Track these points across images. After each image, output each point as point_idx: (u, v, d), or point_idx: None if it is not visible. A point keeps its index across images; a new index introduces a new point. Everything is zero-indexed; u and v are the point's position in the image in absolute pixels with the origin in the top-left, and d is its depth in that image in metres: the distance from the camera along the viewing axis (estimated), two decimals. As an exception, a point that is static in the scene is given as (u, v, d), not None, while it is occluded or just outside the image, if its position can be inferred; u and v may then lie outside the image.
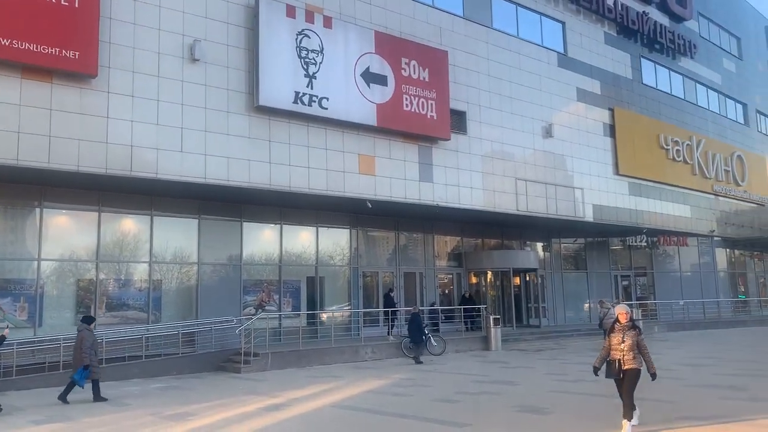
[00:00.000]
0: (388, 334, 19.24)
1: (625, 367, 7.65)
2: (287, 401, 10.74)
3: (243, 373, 14.73)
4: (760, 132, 39.77)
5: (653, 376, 7.84)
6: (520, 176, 23.79)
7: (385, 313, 19.78)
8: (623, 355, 7.66)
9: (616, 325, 7.87)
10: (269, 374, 14.60)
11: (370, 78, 19.31)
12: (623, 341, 7.70)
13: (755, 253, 37.69)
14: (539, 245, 26.64)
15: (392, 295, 20.31)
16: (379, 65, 19.57)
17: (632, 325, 7.84)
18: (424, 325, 18.12)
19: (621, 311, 7.95)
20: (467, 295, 22.90)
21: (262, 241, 19.10)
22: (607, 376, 7.91)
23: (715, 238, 33.25)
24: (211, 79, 16.52)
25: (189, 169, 15.77)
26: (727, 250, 35.29)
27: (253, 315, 17.26)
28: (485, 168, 22.70)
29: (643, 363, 7.76)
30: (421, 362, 16.52)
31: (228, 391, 12.14)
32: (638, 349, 7.72)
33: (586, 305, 27.84)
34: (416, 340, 17.18)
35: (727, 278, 35.19)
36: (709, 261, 33.62)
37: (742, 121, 37.87)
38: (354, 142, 19.22)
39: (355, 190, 18.90)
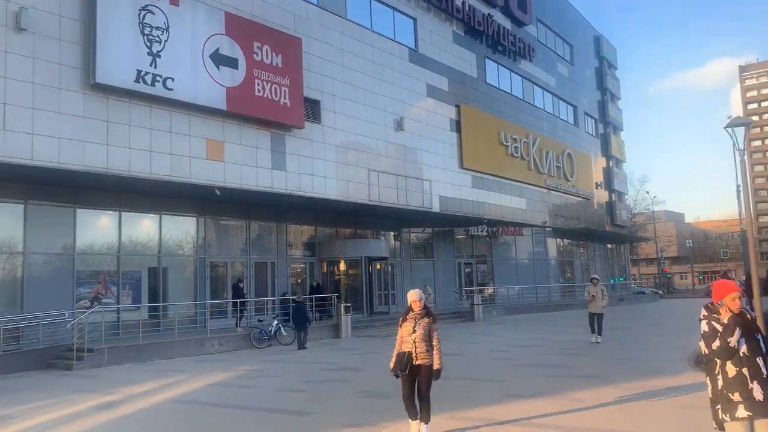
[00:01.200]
0: (237, 326, 18.77)
1: (417, 362, 6.59)
2: (123, 398, 10.11)
3: (75, 370, 13.64)
4: (587, 132, 43.83)
5: (437, 374, 6.68)
6: (373, 167, 24.26)
7: (234, 304, 19.26)
8: (415, 348, 6.60)
9: (408, 314, 6.82)
10: (105, 370, 13.65)
11: (220, 60, 18.65)
12: (414, 331, 6.64)
13: (581, 242, 41.58)
14: (391, 234, 27.37)
15: (241, 285, 19.81)
16: (230, 47, 18.94)
17: (426, 312, 6.81)
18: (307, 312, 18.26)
19: (413, 298, 6.85)
20: (316, 284, 22.95)
21: (99, 229, 17.73)
22: (393, 372, 6.76)
23: (547, 229, 36.18)
24: (41, 51, 15.08)
25: (13, 150, 14.30)
26: (557, 239, 38.58)
27: (88, 308, 16.00)
28: (339, 158, 22.85)
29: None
30: (305, 347, 16.80)
31: (57, 389, 11.17)
32: (430, 340, 6.69)
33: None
34: (301, 328, 17.29)
35: (557, 265, 38.48)
36: (542, 250, 36.55)
37: (572, 121, 41.49)
38: (202, 126, 18.48)
39: (202, 176, 18.19)
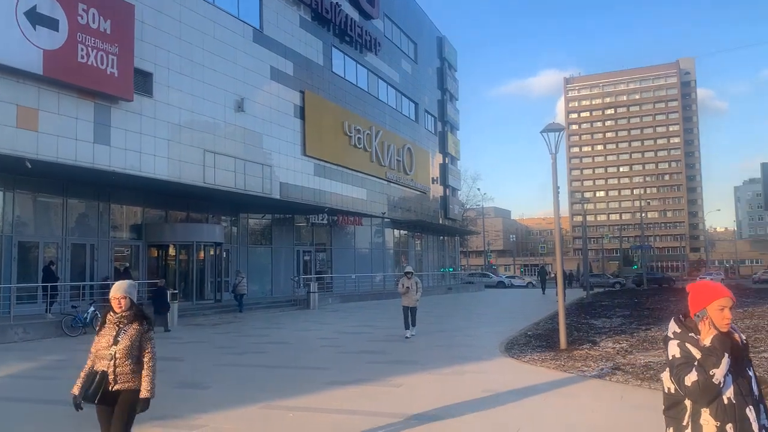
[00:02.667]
0: (47, 312, 17.07)
1: (115, 387, 4.44)
2: None
3: None
4: (427, 129, 45.63)
5: (144, 404, 4.51)
6: (210, 148, 23.29)
7: (44, 289, 17.50)
8: (114, 366, 4.45)
9: (108, 316, 4.63)
10: None
11: (37, 19, 16.79)
12: (115, 342, 4.49)
13: (416, 233, 43.30)
14: (227, 219, 26.50)
15: (53, 268, 18.07)
16: (50, 6, 17.13)
17: (136, 314, 4.63)
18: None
19: (116, 294, 4.60)
20: (123, 268, 21.41)
21: None
22: (83, 400, 4.46)
23: (386, 220, 37.21)
24: None
25: None
26: (395, 230, 39.83)
27: None
28: (172, 136, 21.65)
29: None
30: (169, 330, 17.14)
31: None
32: (140, 355, 4.56)
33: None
34: (160, 312, 17.35)
35: (394, 255, 39.74)
36: (380, 240, 37.52)
37: (413, 118, 42.94)
38: (12, 91, 16.56)
39: (10, 146, 16.30)
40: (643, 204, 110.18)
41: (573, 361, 10.53)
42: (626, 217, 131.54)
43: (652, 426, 6.31)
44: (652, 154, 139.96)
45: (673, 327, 2.92)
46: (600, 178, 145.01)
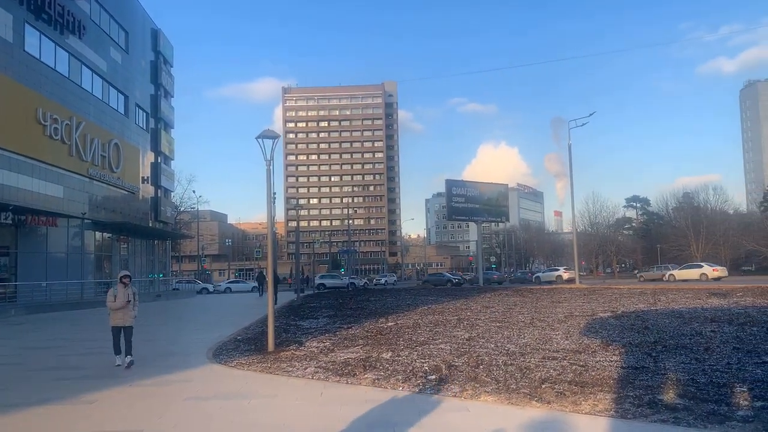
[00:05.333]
0: None
1: None
2: None
3: None
4: (138, 125, 42.77)
5: None
6: None
7: None
8: None
9: None
10: None
11: None
12: None
13: (123, 237, 40.17)
14: None
15: None
16: None
17: None
18: None
19: None
20: None
21: None
22: None
23: (87, 221, 33.81)
24: None
25: None
26: (97, 233, 36.40)
27: None
28: None
29: None
30: None
31: None
32: None
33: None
34: None
35: (95, 260, 36.28)
36: (79, 243, 33.90)
37: (122, 111, 39.86)
38: None
39: None
40: (350, 212, 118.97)
41: (279, 362, 10.85)
42: (336, 223, 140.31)
43: (345, 417, 6.86)
44: (359, 166, 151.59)
45: None
46: (314, 186, 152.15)
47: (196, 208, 72.41)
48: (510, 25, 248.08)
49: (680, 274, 47.88)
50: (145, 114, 44.23)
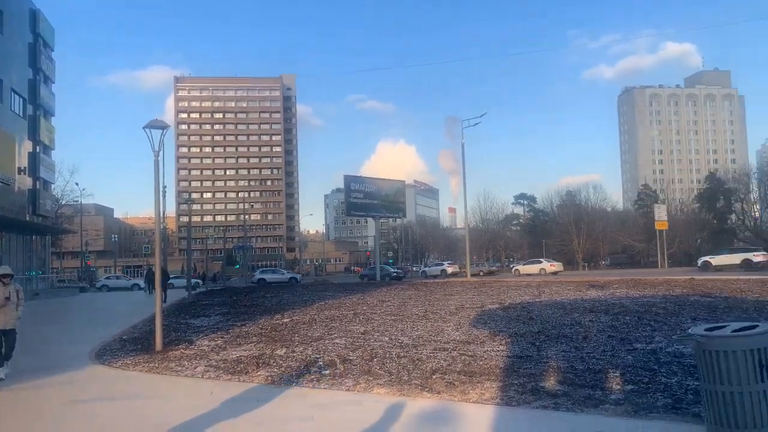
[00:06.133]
0: None
1: None
2: None
3: None
4: (13, 111, 39.64)
5: None
6: None
7: None
8: None
9: None
10: None
11: None
12: None
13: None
14: None
15: None
16: None
17: None
18: None
19: None
20: None
21: None
22: None
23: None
24: None
25: None
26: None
27: None
28: None
29: None
30: None
31: None
32: None
33: None
34: None
35: (-38, 257, 33.29)
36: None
37: (-5, 96, 36.79)
38: None
39: None
40: (246, 207, 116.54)
41: (167, 362, 10.45)
42: (231, 218, 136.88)
43: (235, 415, 6.73)
44: (256, 160, 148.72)
45: None
46: (208, 180, 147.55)
47: (79, 202, 68.14)
48: (410, 24, 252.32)
49: (524, 269, 53.43)
50: (21, 100, 41.01)
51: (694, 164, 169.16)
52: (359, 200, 56.68)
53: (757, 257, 41.14)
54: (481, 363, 8.84)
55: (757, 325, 5.25)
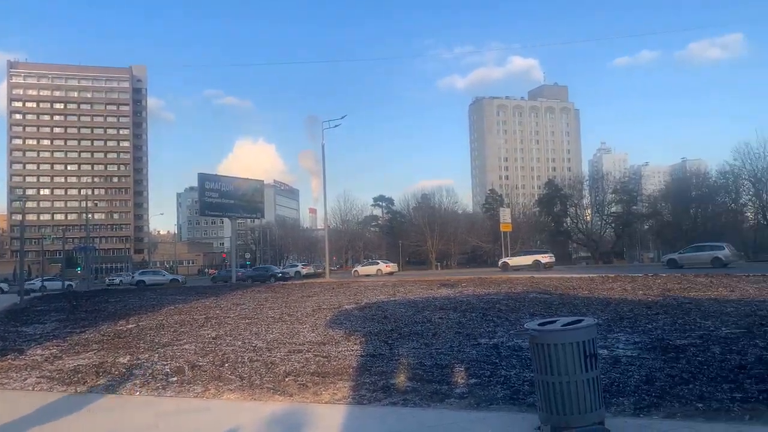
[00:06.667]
0: None
1: None
2: None
3: None
4: None
5: None
6: None
7: None
8: None
9: None
10: None
11: None
12: None
13: None
14: None
15: None
16: None
17: None
18: None
19: None
20: None
21: None
22: None
23: None
24: None
25: None
26: None
27: None
28: None
29: None
30: None
31: None
32: None
33: None
34: None
35: None
36: None
37: None
38: None
39: None
40: (90, 205, 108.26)
41: (-9, 375, 9.44)
42: (72, 217, 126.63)
43: (67, 429, 6.20)
44: (101, 155, 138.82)
45: None
46: (46, 175, 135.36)
47: None
48: (271, 21, 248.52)
49: (363, 270, 56.13)
50: None
51: (535, 171, 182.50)
52: (214, 200, 54.88)
53: (545, 258, 47.98)
54: (334, 363, 8.89)
55: (583, 320, 5.76)
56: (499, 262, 51.31)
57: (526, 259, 48.95)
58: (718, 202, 68.62)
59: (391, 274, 52.28)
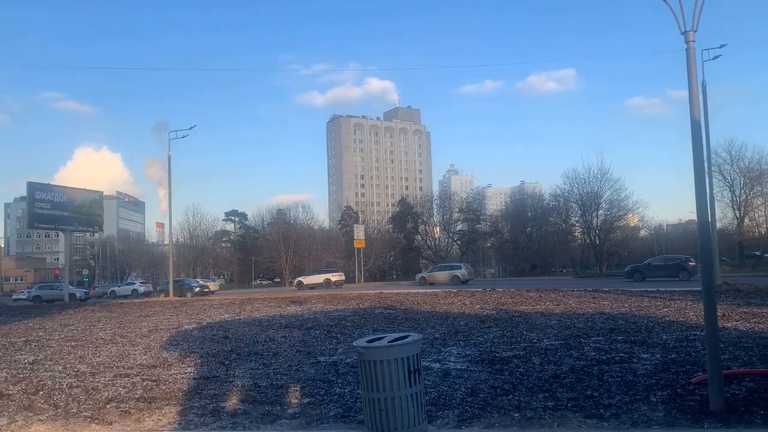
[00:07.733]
0: None
1: None
2: None
3: None
4: None
5: None
6: None
7: None
8: None
9: None
10: None
11: None
12: None
13: None
14: None
15: None
16: None
17: None
18: None
19: None
20: None
21: None
22: None
23: None
24: None
25: None
26: None
27: None
28: None
29: None
30: None
31: None
32: None
33: None
34: None
35: None
36: None
37: None
38: None
39: None
40: None
41: None
42: None
43: None
44: None
45: None
46: None
47: None
48: (116, 21, 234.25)
49: (308, 280, 53.28)
50: None
51: (390, 189, 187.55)
52: (46, 211, 50.19)
53: (335, 277, 51.40)
54: (164, 387, 8.41)
55: (409, 335, 5.94)
56: (295, 281, 54.29)
57: (319, 278, 51.54)
58: (551, 222, 74.81)
59: (212, 292, 50.28)
